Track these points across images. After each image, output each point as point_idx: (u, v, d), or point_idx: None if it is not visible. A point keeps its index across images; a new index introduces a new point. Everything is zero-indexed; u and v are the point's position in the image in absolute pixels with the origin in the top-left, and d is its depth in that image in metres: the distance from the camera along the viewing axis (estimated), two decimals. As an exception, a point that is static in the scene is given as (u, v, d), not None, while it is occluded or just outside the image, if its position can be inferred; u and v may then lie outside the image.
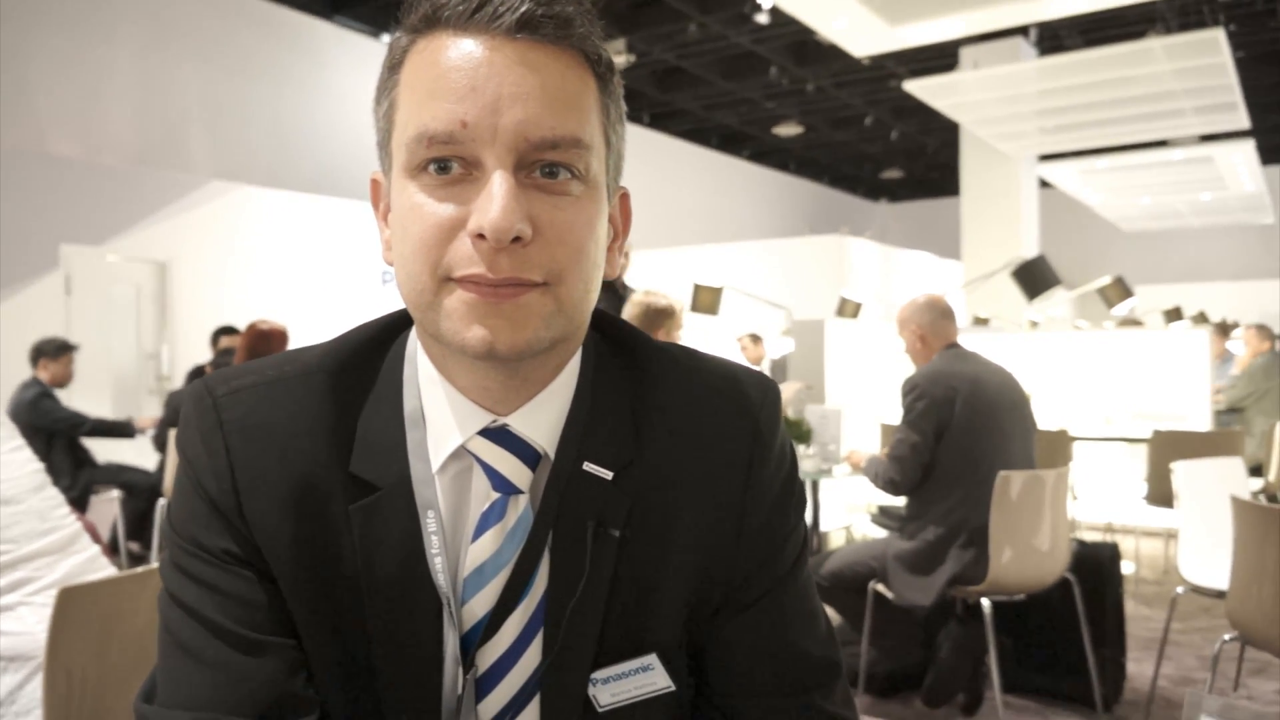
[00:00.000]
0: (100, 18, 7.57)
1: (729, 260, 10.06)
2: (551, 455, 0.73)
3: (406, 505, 0.71)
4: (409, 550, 0.70)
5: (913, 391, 2.92)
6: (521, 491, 0.72)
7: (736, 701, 0.77)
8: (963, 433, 2.86)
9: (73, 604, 1.41)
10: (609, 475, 0.73)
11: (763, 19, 8.69)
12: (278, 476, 0.70)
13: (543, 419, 0.72)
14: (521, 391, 0.71)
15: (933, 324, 3.06)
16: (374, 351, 0.76)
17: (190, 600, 0.70)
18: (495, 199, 0.62)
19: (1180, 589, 2.86)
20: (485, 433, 0.71)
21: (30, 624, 1.57)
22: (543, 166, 0.65)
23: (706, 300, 5.20)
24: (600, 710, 0.73)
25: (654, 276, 9.24)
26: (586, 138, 0.66)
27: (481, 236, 0.63)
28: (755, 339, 7.77)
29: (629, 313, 3.21)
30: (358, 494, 0.71)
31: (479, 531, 0.71)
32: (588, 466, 0.73)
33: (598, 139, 0.69)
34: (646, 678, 0.74)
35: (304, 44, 9.04)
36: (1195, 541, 2.93)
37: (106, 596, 1.49)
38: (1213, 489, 2.95)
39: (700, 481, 0.75)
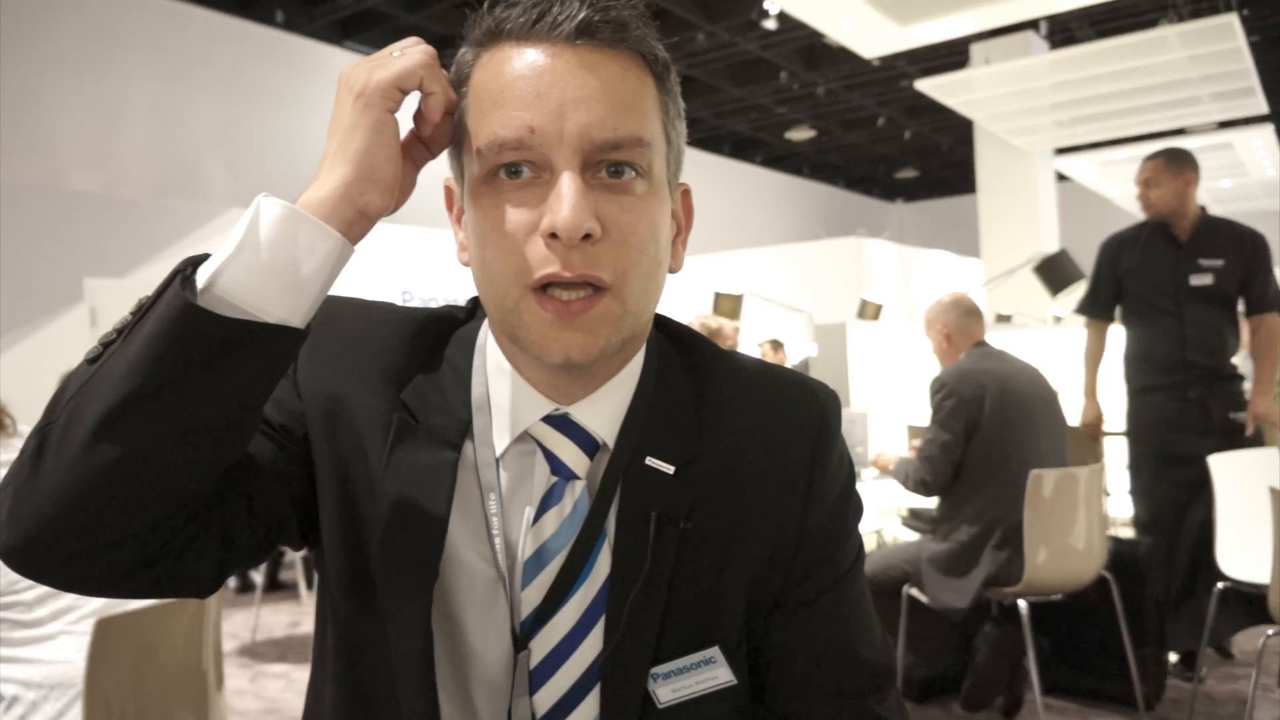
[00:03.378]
0: (115, 54, 7.69)
1: (747, 267, 10.05)
2: (610, 445, 0.75)
3: (447, 457, 0.74)
4: (469, 531, 0.74)
5: (941, 390, 2.90)
6: (579, 478, 0.74)
7: (790, 703, 0.78)
8: (993, 431, 2.83)
9: (111, 633, 1.42)
10: (670, 470, 0.75)
11: (771, 24, 8.69)
12: (336, 373, 0.76)
13: (603, 410, 0.76)
14: (588, 385, 0.75)
15: (959, 322, 3.06)
16: (452, 329, 0.81)
17: None
18: (565, 199, 0.65)
19: (1220, 585, 2.81)
20: (547, 419, 0.75)
21: (70, 652, 1.58)
22: (608, 166, 0.68)
23: (727, 308, 5.19)
24: (661, 706, 0.74)
25: (673, 286, 9.24)
26: (648, 136, 0.69)
27: (554, 236, 0.65)
28: (776, 345, 7.68)
29: None
30: (405, 433, 0.74)
31: (537, 515, 0.73)
32: (650, 461, 0.75)
33: (658, 136, 0.72)
34: (708, 671, 0.75)
35: (316, 71, 9.13)
36: (1233, 535, 2.88)
37: (144, 625, 1.50)
38: (1251, 481, 2.90)
39: (763, 480, 0.77)
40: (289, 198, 0.68)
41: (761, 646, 0.79)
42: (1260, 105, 8.52)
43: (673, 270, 0.76)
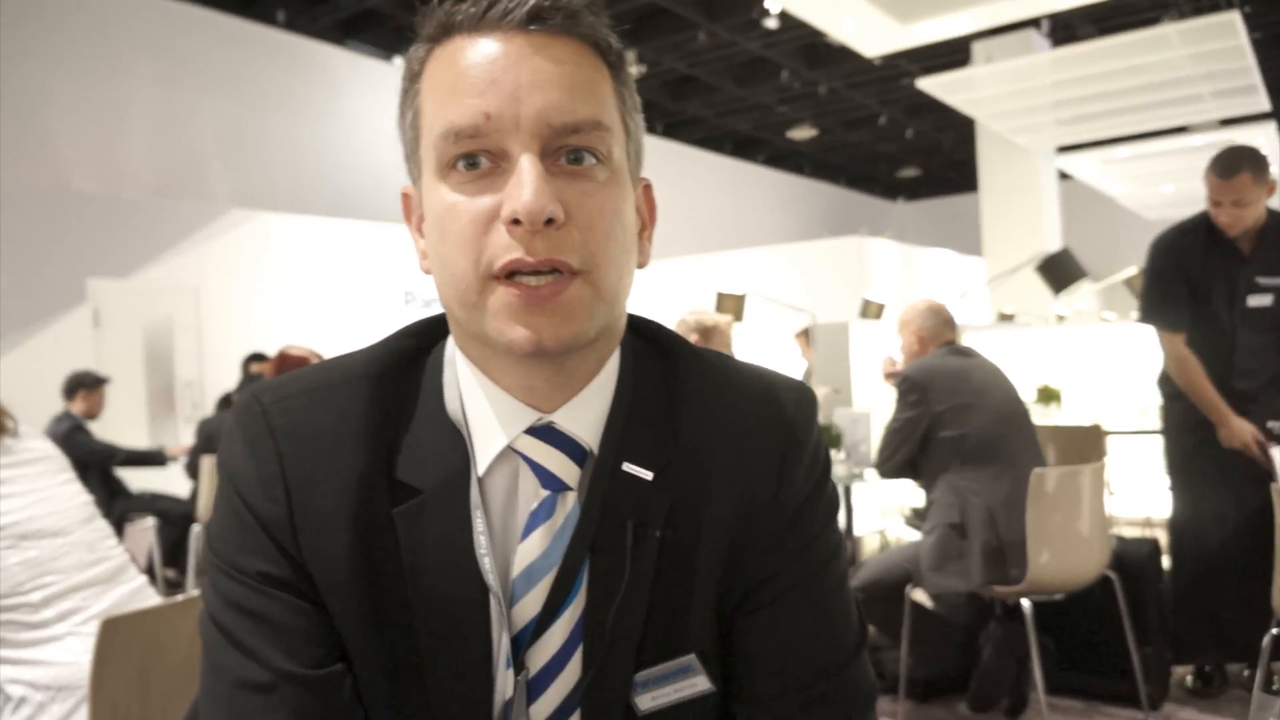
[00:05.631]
0: (117, 55, 7.69)
1: (749, 266, 10.04)
2: (596, 452, 0.73)
3: (453, 507, 0.71)
4: (457, 552, 0.70)
5: (903, 383, 3.02)
6: (570, 488, 0.72)
7: (743, 706, 0.76)
8: (950, 413, 2.92)
9: (116, 635, 1.43)
10: (649, 475, 0.73)
11: (772, 24, 8.69)
12: (328, 483, 0.70)
13: (588, 415, 0.73)
14: (566, 388, 0.72)
15: (934, 329, 3.16)
16: (415, 356, 0.78)
17: (227, 623, 0.70)
18: (525, 183, 0.64)
19: (1276, 629, 2.74)
20: (531, 431, 0.72)
21: (78, 654, 1.58)
22: (568, 152, 0.67)
23: (730, 307, 5.19)
24: (640, 713, 0.73)
25: (675, 285, 9.24)
26: (606, 120, 0.68)
27: (516, 222, 0.64)
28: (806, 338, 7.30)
29: (677, 330, 3.24)
30: (402, 498, 0.71)
31: (527, 530, 0.72)
32: (627, 466, 0.73)
33: (617, 124, 0.70)
34: (687, 679, 0.74)
35: (318, 71, 9.13)
36: (1237, 532, 2.87)
37: (148, 626, 1.50)
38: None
39: (733, 480, 0.75)
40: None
41: (733, 649, 0.77)
42: (1262, 103, 8.51)
43: (641, 265, 0.75)
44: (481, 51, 0.67)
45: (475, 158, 0.66)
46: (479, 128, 0.65)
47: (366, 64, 9.64)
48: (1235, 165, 2.93)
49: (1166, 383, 3.20)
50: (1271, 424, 2.96)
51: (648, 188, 0.79)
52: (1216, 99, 8.37)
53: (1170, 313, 3.10)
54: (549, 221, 0.64)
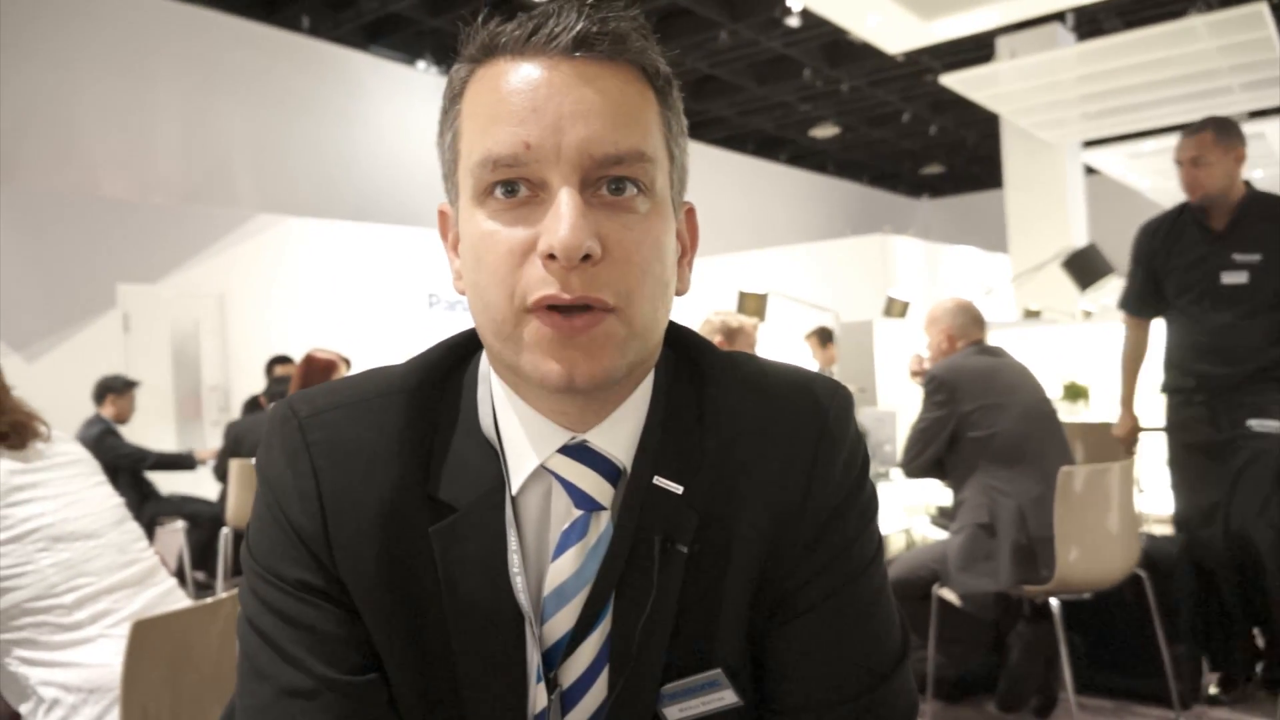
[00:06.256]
0: (144, 63, 7.79)
1: (772, 265, 10.02)
2: (629, 470, 0.72)
3: (487, 526, 0.71)
4: (491, 571, 0.70)
5: (930, 382, 2.99)
6: (604, 508, 0.71)
7: (782, 717, 0.74)
8: (977, 412, 2.89)
9: (146, 636, 1.44)
10: (679, 489, 0.72)
11: (794, 22, 8.66)
12: (363, 499, 0.70)
13: (621, 433, 0.72)
14: (600, 411, 0.71)
15: (963, 327, 3.11)
16: (450, 371, 0.77)
17: (266, 628, 0.70)
18: (563, 218, 0.62)
19: None
20: (565, 450, 0.71)
21: (109, 656, 1.60)
22: (609, 183, 0.65)
23: (752, 307, 5.18)
24: None
25: (697, 285, 9.23)
26: (650, 151, 0.67)
27: (552, 257, 0.62)
28: (824, 337, 6.61)
29: (703, 331, 3.24)
30: (437, 516, 0.71)
31: (560, 550, 0.71)
32: (658, 480, 0.71)
33: (661, 152, 0.69)
34: (714, 693, 0.73)
35: (341, 75, 9.20)
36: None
37: (178, 628, 1.52)
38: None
39: (764, 485, 0.73)
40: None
41: (765, 658, 0.75)
42: (1292, 94, 8.38)
43: (679, 293, 0.73)
44: (524, 77, 0.65)
45: (514, 185, 0.65)
46: (518, 157, 0.64)
47: (390, 68, 9.71)
48: (1200, 124, 2.90)
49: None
50: (1252, 422, 2.83)
51: (690, 211, 0.77)
52: (1245, 91, 8.25)
53: (1130, 298, 3.16)
54: (586, 258, 0.63)
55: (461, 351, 0.78)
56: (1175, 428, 3.06)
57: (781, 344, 7.66)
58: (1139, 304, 3.15)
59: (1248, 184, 2.91)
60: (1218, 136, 2.85)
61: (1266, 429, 2.81)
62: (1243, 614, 2.95)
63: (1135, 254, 3.14)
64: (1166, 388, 3.09)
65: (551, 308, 0.64)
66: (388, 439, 0.72)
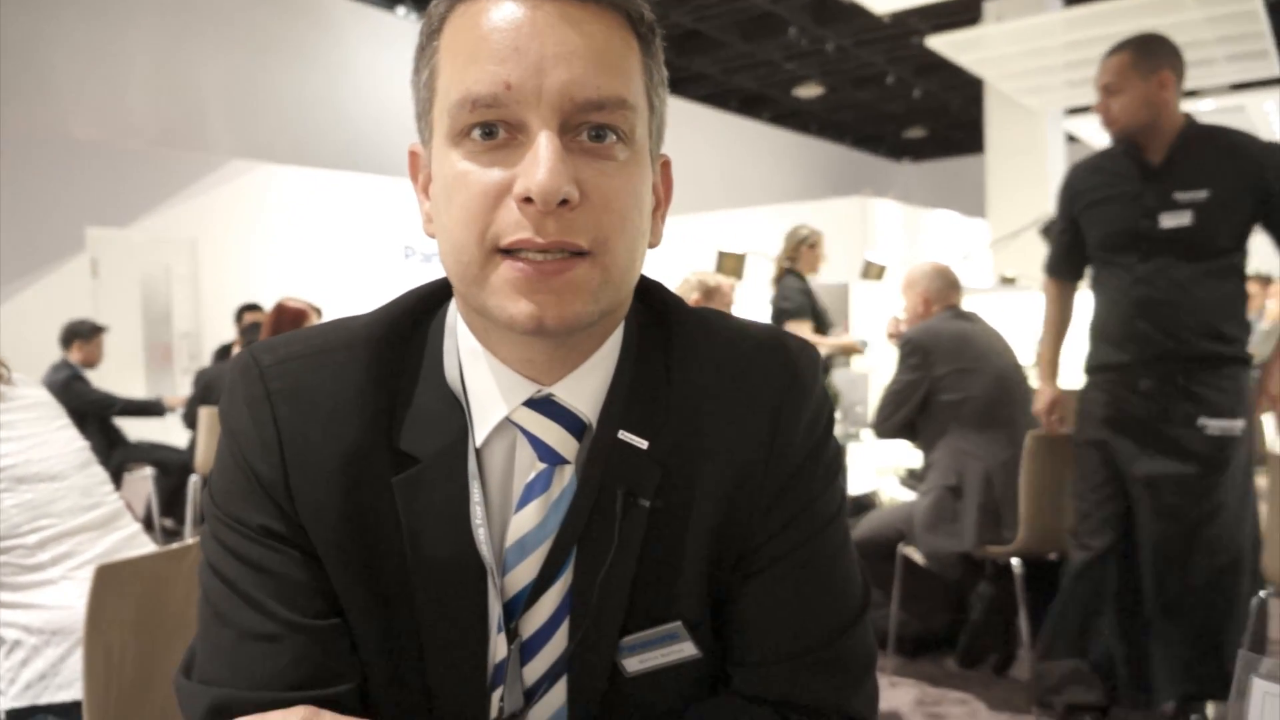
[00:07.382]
0: (118, 3, 7.59)
1: (752, 225, 9.98)
2: (594, 425, 0.72)
3: (450, 477, 0.71)
4: (453, 522, 0.70)
5: (905, 345, 3.02)
6: (568, 461, 0.72)
7: (737, 669, 0.75)
8: (949, 377, 2.92)
9: (110, 580, 1.44)
10: (644, 444, 0.72)
11: (780, -22, 8.55)
12: (324, 448, 0.70)
13: (587, 388, 0.72)
14: (567, 361, 0.71)
15: (940, 291, 3.14)
16: (416, 322, 0.76)
17: (229, 573, 0.70)
18: (542, 161, 0.61)
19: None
20: (530, 403, 0.71)
21: (72, 598, 1.60)
22: (589, 129, 0.64)
23: (731, 266, 5.18)
24: (628, 675, 0.74)
25: (676, 243, 9.20)
26: (632, 98, 0.65)
27: (529, 200, 0.62)
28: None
29: (680, 290, 3.24)
30: (400, 466, 0.70)
31: (523, 502, 0.71)
32: (623, 435, 0.71)
33: (642, 101, 0.68)
34: (673, 645, 0.74)
35: (319, 20, 9.02)
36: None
37: (144, 573, 1.51)
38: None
39: (729, 441, 0.73)
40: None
41: (727, 611, 0.76)
42: (1274, 68, 8.39)
43: (652, 245, 0.72)
44: (506, 15, 0.63)
45: (492, 127, 0.63)
46: (498, 98, 0.62)
47: (368, 13, 9.52)
48: (1119, 45, 2.49)
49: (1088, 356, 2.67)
50: (1207, 422, 2.35)
51: (666, 165, 0.76)
52: (1229, 63, 8.26)
53: (1054, 258, 2.75)
54: (563, 202, 0.62)
55: (431, 301, 0.77)
56: (1098, 410, 2.52)
57: (760, 304, 7.67)
58: (1063, 263, 2.71)
59: (1188, 118, 2.47)
60: (1136, 59, 2.43)
61: (1226, 431, 2.36)
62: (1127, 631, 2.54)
63: (1060, 205, 2.71)
64: (1092, 365, 2.59)
65: (521, 250, 0.63)
66: (350, 389, 0.71)
